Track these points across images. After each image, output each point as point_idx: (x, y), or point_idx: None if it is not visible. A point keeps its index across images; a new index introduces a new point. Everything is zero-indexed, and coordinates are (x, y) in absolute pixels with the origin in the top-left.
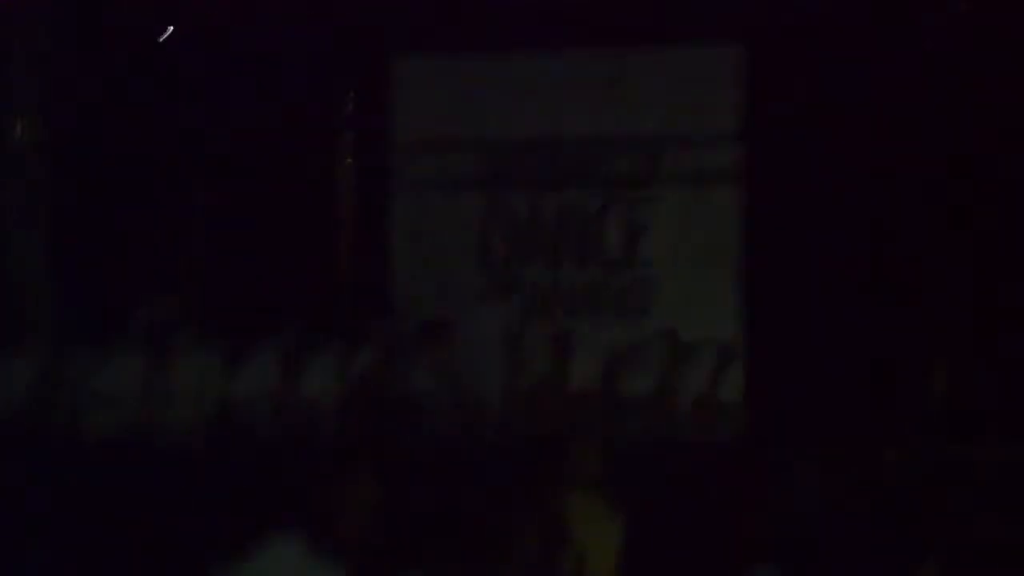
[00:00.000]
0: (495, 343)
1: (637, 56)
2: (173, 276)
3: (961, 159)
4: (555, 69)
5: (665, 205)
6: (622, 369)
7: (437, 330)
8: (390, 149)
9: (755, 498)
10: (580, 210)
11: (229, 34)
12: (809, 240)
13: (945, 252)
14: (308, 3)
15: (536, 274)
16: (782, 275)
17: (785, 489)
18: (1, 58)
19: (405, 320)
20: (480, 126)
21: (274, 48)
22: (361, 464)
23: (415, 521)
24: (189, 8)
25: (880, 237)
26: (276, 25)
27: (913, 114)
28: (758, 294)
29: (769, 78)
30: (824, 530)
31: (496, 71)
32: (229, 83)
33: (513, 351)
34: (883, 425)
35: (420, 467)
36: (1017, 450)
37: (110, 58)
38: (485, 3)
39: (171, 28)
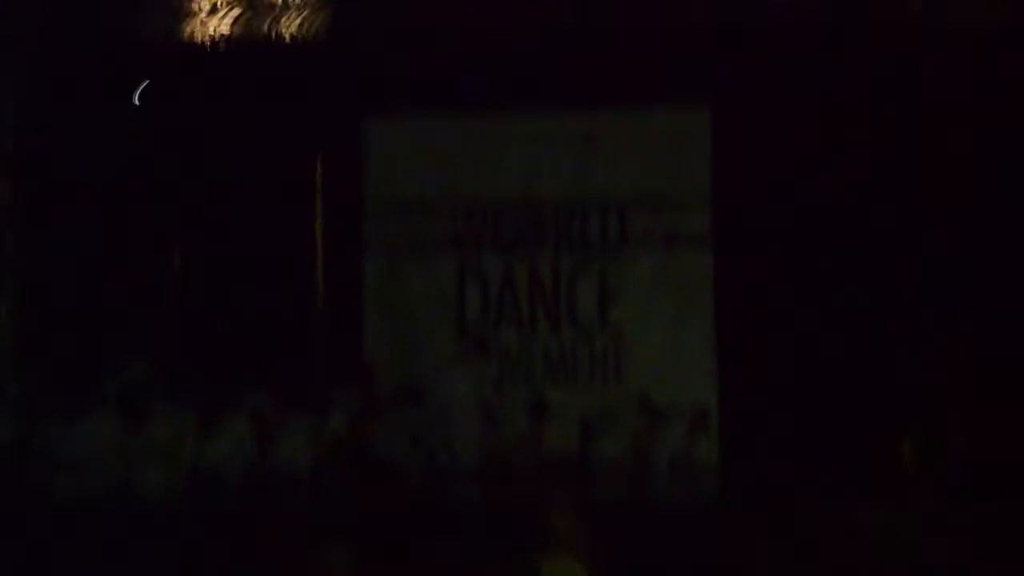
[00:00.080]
0: (469, 407)
1: (609, 119)
2: (145, 340)
3: (941, 216)
4: (527, 131)
5: (638, 268)
6: (596, 433)
7: (410, 394)
8: (362, 211)
9: (729, 561)
10: (553, 273)
11: (203, 96)
12: (783, 302)
13: (921, 312)
14: (281, 66)
15: (510, 337)
16: (756, 337)
17: (760, 552)
18: None
19: (378, 383)
20: (453, 188)
21: (247, 111)
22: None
23: None
24: (167, 68)
25: (856, 299)
26: (249, 88)
27: (886, 174)
28: (732, 357)
29: (740, 141)
30: None
31: (468, 133)
32: (202, 146)
33: (487, 415)
34: (860, 486)
35: (396, 530)
36: (994, 506)
37: (81, 117)
38: (457, 66)
39: (145, 84)
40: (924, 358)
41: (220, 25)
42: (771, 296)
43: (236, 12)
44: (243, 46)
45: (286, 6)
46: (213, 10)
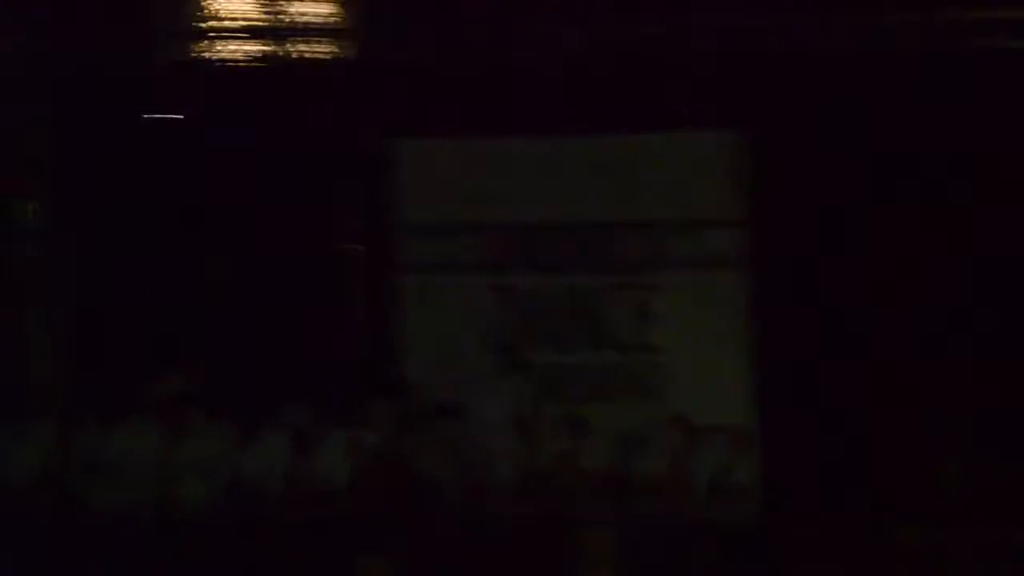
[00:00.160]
0: (506, 423)
1: (647, 140)
2: (185, 352)
3: (982, 239)
4: (563, 152)
5: (675, 288)
6: (635, 451)
7: (448, 409)
8: (398, 232)
9: None
10: (591, 293)
11: (236, 116)
12: (821, 322)
13: (965, 334)
14: (315, 86)
15: (546, 357)
16: (794, 357)
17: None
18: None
19: (416, 399)
20: (489, 209)
21: (282, 131)
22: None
23: None
24: (197, 89)
25: (896, 319)
26: (284, 108)
27: (923, 196)
28: (770, 377)
29: (778, 162)
30: None
31: (504, 155)
32: (238, 164)
33: (525, 433)
34: (902, 509)
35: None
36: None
37: (118, 135)
38: (492, 87)
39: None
40: (968, 380)
41: (251, 47)
42: (809, 316)
43: (266, 34)
44: (275, 68)
45: (317, 27)
46: (242, 32)
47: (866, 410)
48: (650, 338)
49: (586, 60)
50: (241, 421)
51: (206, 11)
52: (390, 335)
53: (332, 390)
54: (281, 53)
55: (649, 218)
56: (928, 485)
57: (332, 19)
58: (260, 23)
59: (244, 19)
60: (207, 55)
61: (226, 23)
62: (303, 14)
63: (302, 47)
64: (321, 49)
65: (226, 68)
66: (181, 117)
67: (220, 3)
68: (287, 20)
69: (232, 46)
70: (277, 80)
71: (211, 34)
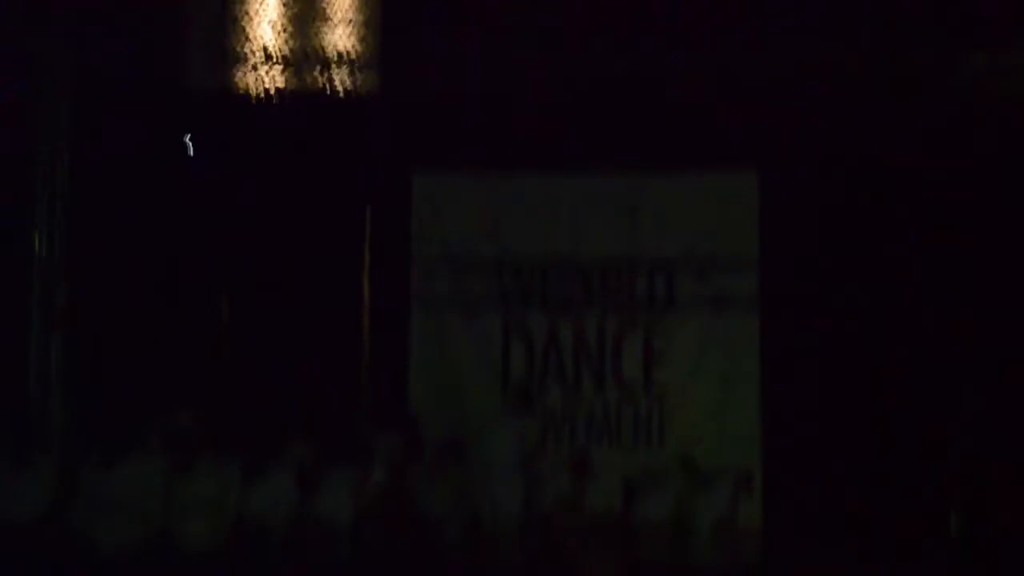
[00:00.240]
0: (512, 463)
1: (657, 180)
2: (191, 389)
3: (993, 279)
4: (575, 190)
5: (684, 329)
6: (639, 493)
7: (453, 448)
8: (409, 265)
9: None
10: (599, 332)
11: (252, 149)
12: (829, 365)
13: (972, 378)
14: (331, 120)
15: (554, 396)
16: (801, 401)
17: None
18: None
19: (422, 437)
20: (499, 245)
21: (295, 166)
22: None
23: None
24: (216, 120)
25: (904, 363)
26: (298, 142)
27: (935, 237)
28: (777, 420)
29: (788, 204)
30: None
31: (516, 191)
32: (251, 199)
33: (531, 472)
34: (905, 552)
35: None
36: None
37: (131, 168)
38: (506, 124)
39: (195, 136)
40: (973, 425)
41: (270, 78)
42: (817, 359)
43: (285, 65)
44: (292, 99)
45: (336, 60)
46: (263, 62)
47: (872, 457)
48: (658, 379)
49: (601, 98)
50: (246, 458)
51: (229, 40)
52: (399, 371)
53: (338, 427)
54: (301, 84)
55: (660, 257)
56: (930, 531)
57: (353, 51)
58: (281, 53)
59: (265, 49)
60: (228, 82)
61: (248, 52)
62: (324, 45)
63: (323, 78)
64: (341, 81)
65: (246, 97)
66: (190, 146)
67: (242, 32)
68: (307, 51)
69: (253, 74)
70: (295, 111)
71: (232, 62)
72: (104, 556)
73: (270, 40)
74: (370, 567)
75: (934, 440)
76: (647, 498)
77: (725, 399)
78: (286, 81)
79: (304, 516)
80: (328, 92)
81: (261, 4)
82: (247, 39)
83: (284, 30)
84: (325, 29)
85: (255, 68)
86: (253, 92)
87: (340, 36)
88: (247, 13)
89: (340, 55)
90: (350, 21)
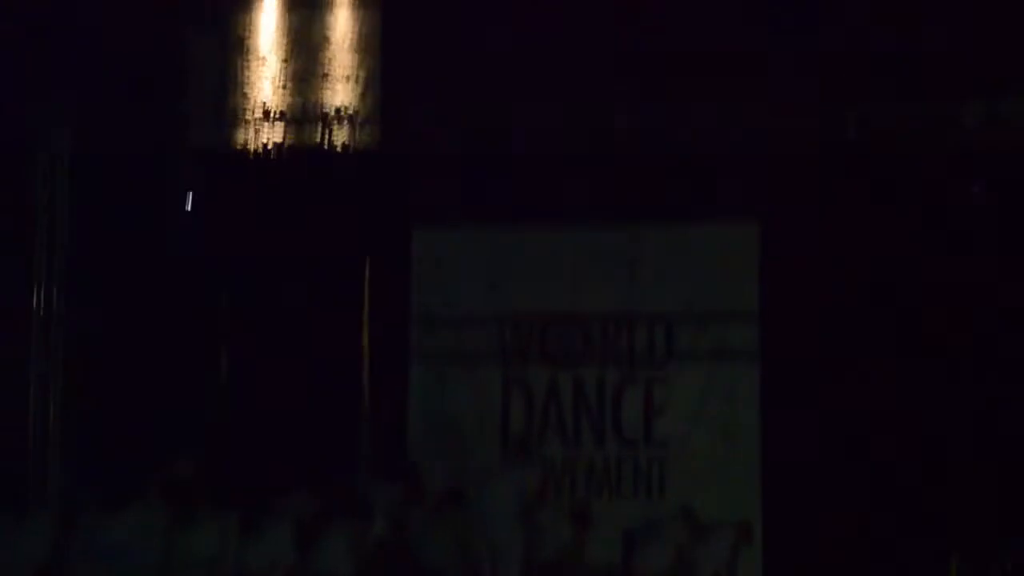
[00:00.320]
0: (512, 515)
1: (657, 233)
2: (189, 441)
3: (992, 326)
4: (574, 244)
5: (684, 381)
6: (640, 545)
7: (452, 502)
8: (409, 320)
9: None
10: (599, 385)
11: (253, 203)
12: (829, 417)
13: (974, 428)
14: (330, 175)
15: (554, 449)
16: (802, 452)
17: None
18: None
19: (422, 489)
20: (499, 300)
21: (295, 217)
22: None
23: None
24: (217, 174)
25: (904, 416)
26: (299, 197)
27: (934, 288)
28: (777, 472)
29: (788, 256)
30: None
31: (515, 245)
32: (252, 251)
33: (531, 523)
34: None
35: None
36: None
37: (132, 219)
38: (506, 178)
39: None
40: (974, 475)
41: (271, 134)
42: (817, 411)
43: (286, 121)
44: (293, 155)
45: (336, 116)
46: (264, 119)
47: (871, 508)
48: (657, 431)
49: (600, 152)
50: (245, 511)
51: (228, 98)
52: (398, 424)
53: (338, 480)
54: (301, 140)
55: (660, 310)
56: None
57: (352, 107)
58: (279, 110)
59: (263, 106)
60: (230, 138)
61: (246, 110)
62: (324, 102)
63: (322, 134)
64: (339, 138)
65: (247, 152)
66: (195, 203)
67: (241, 90)
68: (307, 107)
69: (254, 130)
70: (294, 167)
71: (234, 118)
72: None
73: (270, 98)
74: None
75: (934, 491)
76: (647, 549)
77: (725, 450)
78: (286, 137)
79: (303, 571)
80: (328, 147)
81: (261, 62)
82: (247, 97)
83: (284, 87)
84: (325, 86)
85: (254, 124)
86: (253, 148)
87: (340, 92)
88: (247, 71)
89: (339, 111)
90: (349, 77)
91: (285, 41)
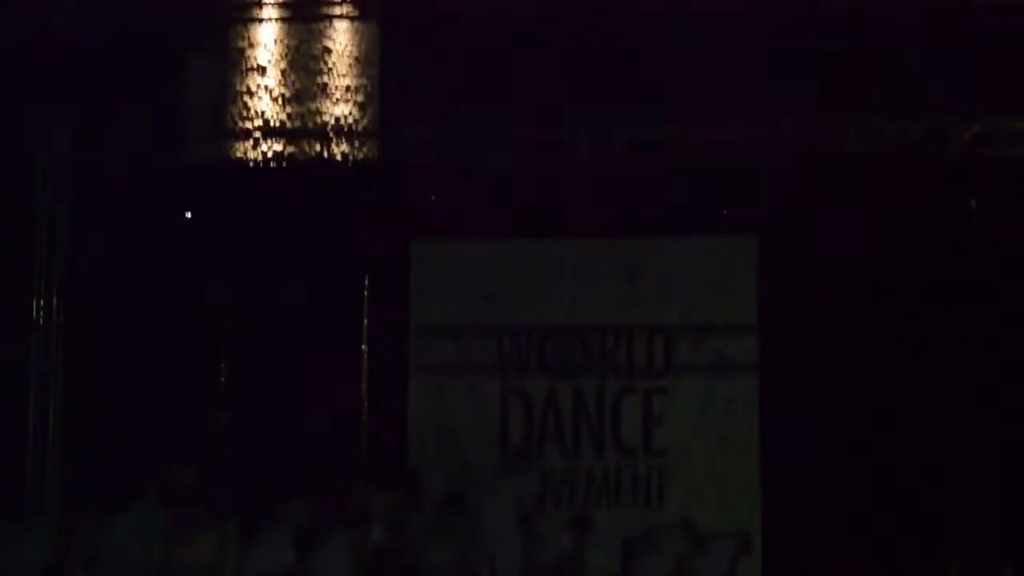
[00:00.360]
0: (511, 523)
1: (657, 245)
2: (189, 450)
3: (990, 338)
4: (573, 256)
5: (682, 391)
6: (639, 555)
7: (452, 508)
8: (407, 332)
9: None
10: (598, 396)
11: (251, 217)
12: (829, 428)
13: (972, 434)
14: (329, 189)
15: (553, 458)
16: (801, 463)
17: None
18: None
19: (421, 492)
20: (498, 312)
21: (294, 229)
22: None
23: None
24: (216, 189)
25: (903, 424)
26: (298, 210)
27: (934, 299)
28: (777, 482)
29: (787, 268)
30: None
31: (514, 257)
32: (252, 265)
33: (530, 530)
34: None
35: None
36: None
37: (131, 233)
38: (505, 190)
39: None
40: (974, 480)
41: (269, 148)
42: (816, 421)
43: (284, 135)
44: (291, 168)
45: (335, 129)
46: (262, 133)
47: (871, 518)
48: (657, 442)
49: (598, 164)
50: (244, 518)
51: (227, 111)
52: (397, 434)
53: (337, 487)
54: (297, 153)
55: (659, 322)
56: None
57: (352, 120)
58: (276, 124)
59: (262, 120)
60: (228, 153)
61: (245, 124)
62: (323, 115)
63: (317, 148)
64: (336, 150)
65: (245, 166)
66: (195, 217)
67: (239, 104)
68: (307, 120)
69: (252, 144)
70: (292, 179)
71: (232, 133)
72: None
73: (270, 111)
74: None
75: (935, 500)
76: (646, 558)
77: (724, 461)
78: (285, 150)
79: None
80: (327, 160)
81: (261, 76)
82: (247, 110)
83: (284, 101)
84: (324, 99)
85: (253, 138)
86: (251, 162)
87: (339, 105)
88: (247, 86)
89: (339, 124)
90: (348, 90)
91: (285, 55)
